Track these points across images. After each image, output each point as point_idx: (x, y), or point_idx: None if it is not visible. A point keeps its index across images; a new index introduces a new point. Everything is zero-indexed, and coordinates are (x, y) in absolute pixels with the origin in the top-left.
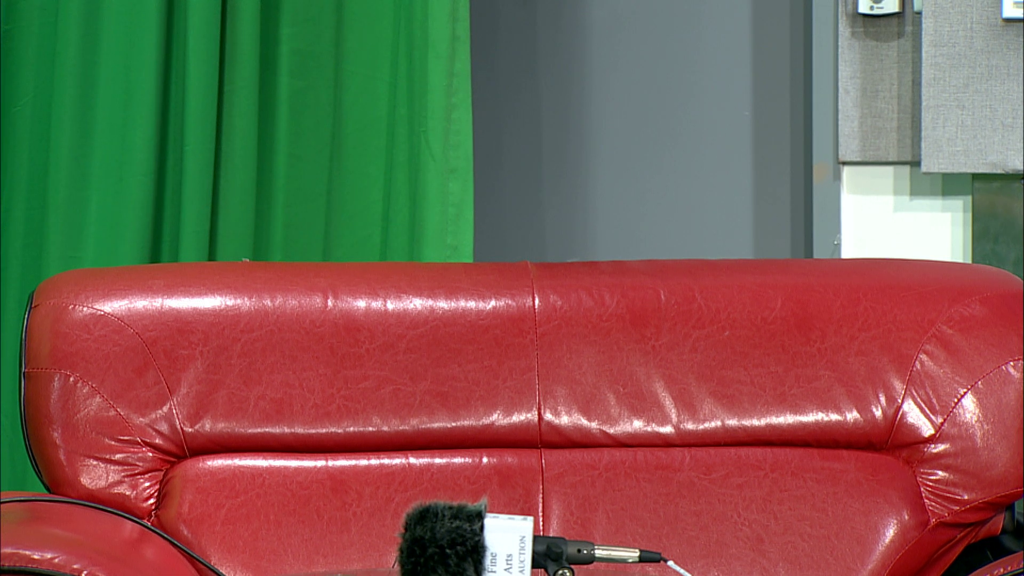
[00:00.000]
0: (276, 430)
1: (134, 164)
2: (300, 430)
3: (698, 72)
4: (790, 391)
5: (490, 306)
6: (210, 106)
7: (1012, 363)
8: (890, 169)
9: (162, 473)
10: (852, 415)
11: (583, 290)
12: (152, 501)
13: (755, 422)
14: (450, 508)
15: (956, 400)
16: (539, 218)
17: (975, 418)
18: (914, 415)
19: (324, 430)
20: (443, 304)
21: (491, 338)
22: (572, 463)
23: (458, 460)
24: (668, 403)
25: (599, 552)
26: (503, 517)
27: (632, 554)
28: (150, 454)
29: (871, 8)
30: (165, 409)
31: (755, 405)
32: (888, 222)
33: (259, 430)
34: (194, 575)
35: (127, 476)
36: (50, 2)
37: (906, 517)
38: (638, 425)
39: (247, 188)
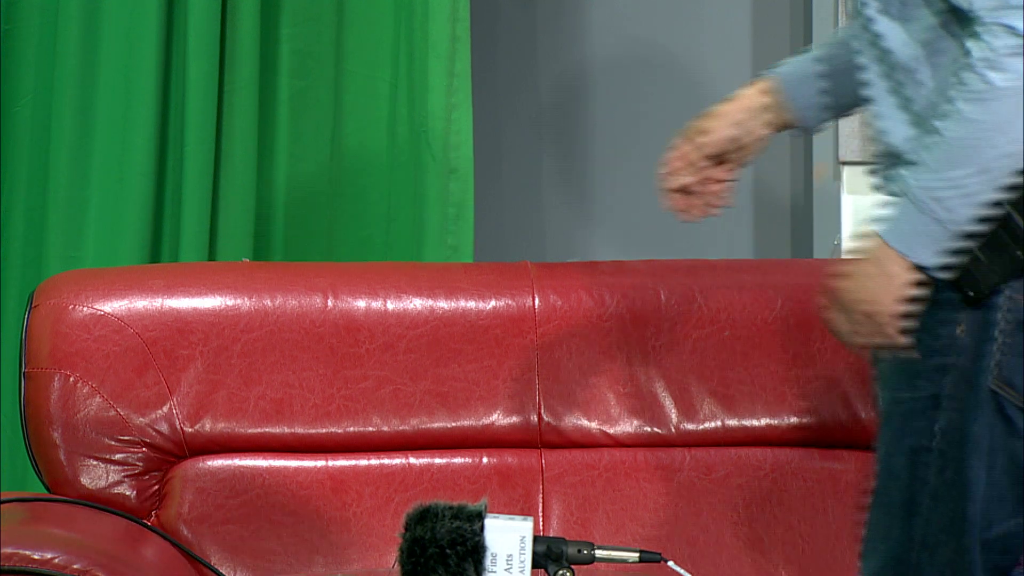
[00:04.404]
0: (276, 430)
1: (134, 164)
2: (300, 430)
3: (698, 72)
4: (790, 391)
5: (490, 306)
6: (210, 106)
7: None
8: None
9: (162, 473)
10: (852, 415)
11: (583, 290)
12: (152, 501)
13: (755, 422)
14: (450, 508)
15: None
16: (539, 218)
17: None
18: None
19: (324, 430)
20: (443, 304)
21: (491, 338)
22: (572, 463)
23: (458, 460)
24: (668, 403)
25: (599, 552)
26: (503, 517)
27: (632, 554)
28: (150, 454)
29: None
30: (165, 409)
31: (755, 405)
32: None
33: (259, 430)
34: (194, 575)
35: (127, 476)
36: (50, 2)
37: None
38: (638, 425)
39: (247, 188)
